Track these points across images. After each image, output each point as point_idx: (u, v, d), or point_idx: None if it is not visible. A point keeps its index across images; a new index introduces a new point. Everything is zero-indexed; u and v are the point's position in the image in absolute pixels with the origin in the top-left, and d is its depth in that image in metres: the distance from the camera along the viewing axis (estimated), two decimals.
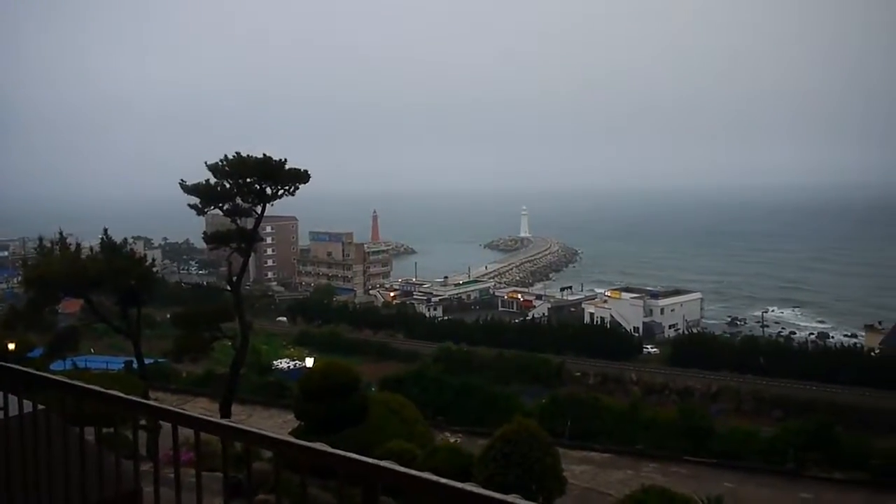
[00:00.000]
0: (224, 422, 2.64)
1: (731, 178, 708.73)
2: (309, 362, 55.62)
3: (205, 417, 2.70)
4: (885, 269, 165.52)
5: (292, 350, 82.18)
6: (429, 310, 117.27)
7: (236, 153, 28.58)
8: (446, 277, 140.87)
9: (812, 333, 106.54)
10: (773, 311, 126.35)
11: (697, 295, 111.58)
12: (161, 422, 2.89)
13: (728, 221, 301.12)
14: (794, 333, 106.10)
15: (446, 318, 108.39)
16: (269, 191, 29.17)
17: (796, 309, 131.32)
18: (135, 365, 34.97)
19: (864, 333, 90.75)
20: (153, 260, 44.71)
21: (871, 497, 24.70)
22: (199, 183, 29.14)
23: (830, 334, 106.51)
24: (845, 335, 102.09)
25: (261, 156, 28.41)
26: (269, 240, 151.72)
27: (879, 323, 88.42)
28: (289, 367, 68.91)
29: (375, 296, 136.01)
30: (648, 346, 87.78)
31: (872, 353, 72.86)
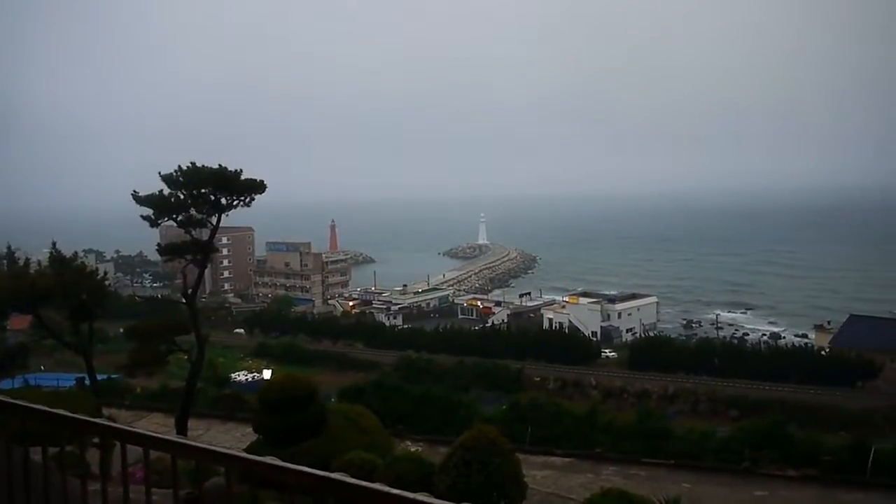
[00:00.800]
0: (173, 438, 2.60)
1: (683, 183, 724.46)
2: (267, 374, 55.15)
3: (153, 434, 2.66)
4: (830, 271, 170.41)
5: (250, 362, 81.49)
6: (388, 318, 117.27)
7: (191, 163, 28.18)
8: (405, 286, 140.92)
9: (764, 335, 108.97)
10: (726, 313, 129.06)
11: (653, 299, 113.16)
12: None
13: (680, 226, 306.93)
14: (748, 335, 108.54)
15: (406, 326, 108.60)
16: (224, 201, 28.78)
17: (749, 311, 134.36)
18: (87, 381, 34.13)
19: (814, 333, 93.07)
20: (105, 273, 43.76)
21: (822, 492, 25.29)
22: (152, 194, 28.64)
23: (782, 335, 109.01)
24: (796, 335, 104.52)
25: (216, 166, 28.06)
26: (225, 251, 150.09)
27: (828, 322, 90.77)
28: (246, 379, 68.39)
29: (334, 305, 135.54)
30: (606, 351, 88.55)
31: (822, 353, 74.76)
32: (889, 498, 24.45)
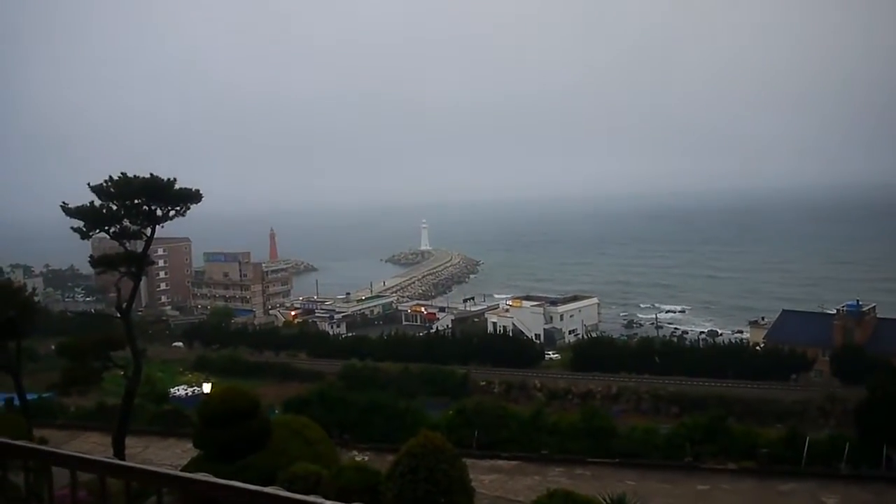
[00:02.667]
0: (102, 458, 2.51)
1: (615, 185, 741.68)
2: (207, 388, 54.03)
3: (81, 455, 2.56)
4: (751, 272, 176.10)
5: (190, 376, 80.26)
6: (332, 327, 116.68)
7: (122, 174, 27.37)
8: (348, 293, 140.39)
9: (702, 332, 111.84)
10: (664, 313, 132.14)
11: (594, 300, 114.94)
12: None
13: (616, 229, 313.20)
14: (686, 333, 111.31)
15: (350, 334, 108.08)
16: (158, 212, 28.04)
17: (687, 311, 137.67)
18: (16, 402, 32.78)
19: (749, 330, 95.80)
20: (33, 289, 42.25)
21: (760, 483, 26.07)
22: (82, 205, 27.70)
23: (719, 332, 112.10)
24: (734, 332, 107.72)
25: (148, 175, 27.32)
26: (161, 262, 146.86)
27: (763, 318, 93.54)
28: (186, 394, 67.52)
29: (276, 316, 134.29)
30: (550, 353, 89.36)
31: (757, 348, 76.94)
32: (823, 486, 25.36)
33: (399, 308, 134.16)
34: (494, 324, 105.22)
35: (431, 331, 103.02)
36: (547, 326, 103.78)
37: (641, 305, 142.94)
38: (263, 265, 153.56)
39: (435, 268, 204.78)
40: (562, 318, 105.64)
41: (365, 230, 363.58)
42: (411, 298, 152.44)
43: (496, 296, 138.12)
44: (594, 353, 78.23)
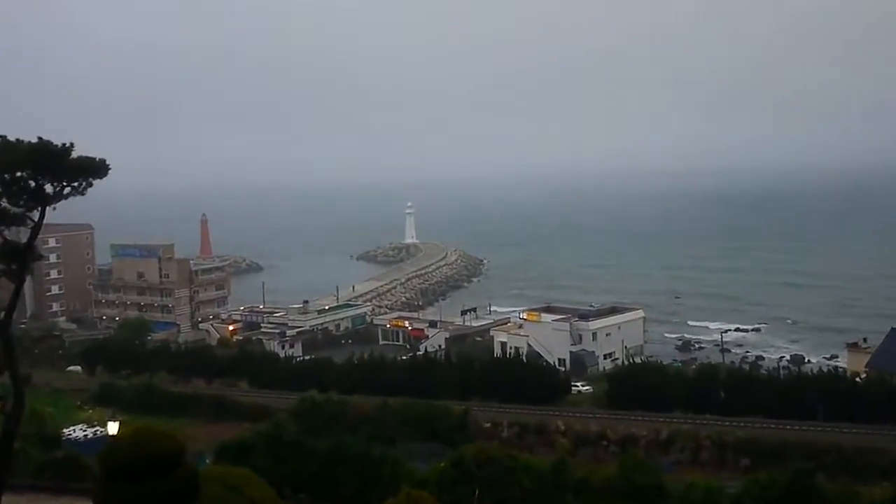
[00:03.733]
0: None
1: (662, 162, 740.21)
2: (113, 428, 53.58)
3: None
4: (849, 279, 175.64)
5: (90, 412, 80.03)
6: (283, 347, 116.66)
7: (0, 136, 27.14)
8: (306, 302, 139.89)
9: (783, 358, 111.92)
10: (733, 332, 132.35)
11: (639, 314, 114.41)
12: None
13: (662, 219, 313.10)
14: (761, 359, 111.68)
15: (308, 357, 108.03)
16: (49, 188, 27.79)
17: (763, 328, 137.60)
18: None
19: (845, 355, 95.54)
20: None
21: None
22: None
23: (806, 358, 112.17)
24: (825, 358, 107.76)
25: (35, 140, 27.04)
26: (53, 257, 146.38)
27: (864, 340, 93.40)
28: (86, 435, 67.36)
29: (208, 331, 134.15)
30: (579, 384, 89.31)
31: (857, 379, 76.51)
32: None
33: (375, 322, 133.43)
34: (503, 344, 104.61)
35: (419, 353, 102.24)
36: (574, 348, 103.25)
37: (698, 322, 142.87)
38: (192, 262, 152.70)
39: (424, 268, 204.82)
40: (594, 338, 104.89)
41: (330, 216, 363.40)
42: (391, 309, 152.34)
43: (501, 309, 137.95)
44: (638, 384, 77.58)
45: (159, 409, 78.36)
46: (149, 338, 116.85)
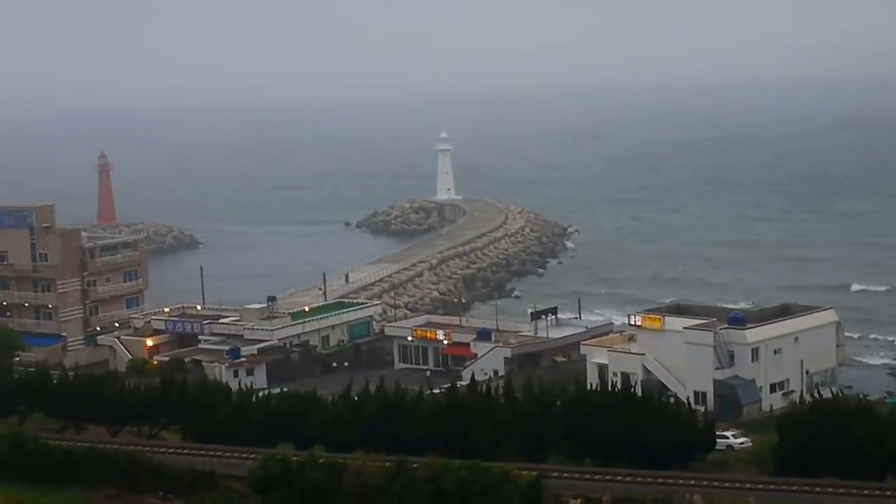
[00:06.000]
0: None
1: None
2: None
3: None
4: None
5: None
6: (236, 375, 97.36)
7: None
8: (273, 300, 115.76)
9: None
10: None
11: (830, 316, 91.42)
12: None
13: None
14: None
15: (277, 391, 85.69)
16: None
17: None
18: None
19: None
20: None
21: None
22: None
23: None
24: None
25: None
26: None
27: None
28: None
29: (112, 347, 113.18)
30: (729, 434, 75.92)
31: None
32: None
33: (387, 332, 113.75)
34: (602, 368, 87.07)
35: (460, 383, 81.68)
36: (722, 374, 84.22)
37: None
38: (86, 234, 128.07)
39: (469, 242, 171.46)
40: (755, 357, 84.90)
41: (310, 158, 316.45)
42: (413, 310, 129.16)
43: (598, 310, 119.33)
44: (827, 436, 61.57)
45: (33, 474, 65.89)
46: (15, 359, 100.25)
